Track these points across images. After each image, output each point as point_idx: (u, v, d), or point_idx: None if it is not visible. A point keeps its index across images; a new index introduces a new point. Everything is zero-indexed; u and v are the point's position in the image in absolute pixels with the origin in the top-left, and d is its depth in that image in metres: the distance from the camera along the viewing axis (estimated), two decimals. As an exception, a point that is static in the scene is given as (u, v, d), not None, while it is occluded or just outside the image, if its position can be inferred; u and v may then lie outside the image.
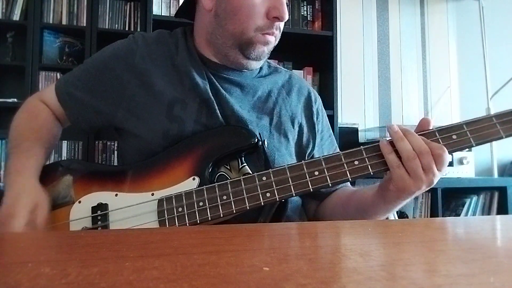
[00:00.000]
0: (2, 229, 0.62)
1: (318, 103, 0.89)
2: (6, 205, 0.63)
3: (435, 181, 0.60)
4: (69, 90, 0.79)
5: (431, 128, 0.63)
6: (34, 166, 0.70)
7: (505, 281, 0.27)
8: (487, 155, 2.44)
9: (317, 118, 0.86)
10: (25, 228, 0.62)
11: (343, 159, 0.63)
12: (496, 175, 2.41)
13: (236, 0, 0.72)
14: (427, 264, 0.31)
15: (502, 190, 2.17)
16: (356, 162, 0.62)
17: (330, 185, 0.62)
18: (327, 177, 0.62)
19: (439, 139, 0.62)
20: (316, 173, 0.62)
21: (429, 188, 0.61)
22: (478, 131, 0.62)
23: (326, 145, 0.87)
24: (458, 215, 2.17)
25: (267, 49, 0.76)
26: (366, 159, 0.62)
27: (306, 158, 0.82)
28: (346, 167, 0.62)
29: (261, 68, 0.86)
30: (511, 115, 0.62)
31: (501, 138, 0.62)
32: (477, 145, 0.62)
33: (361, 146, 0.63)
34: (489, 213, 2.20)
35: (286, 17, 0.72)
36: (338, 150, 0.89)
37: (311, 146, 0.84)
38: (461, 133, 0.62)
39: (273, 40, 0.76)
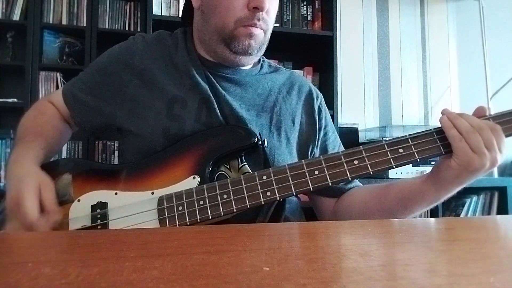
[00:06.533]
0: (15, 218, 0.61)
1: (319, 100, 0.88)
2: (10, 194, 0.63)
3: (499, 160, 0.60)
4: (74, 92, 0.82)
5: (487, 115, 0.63)
6: (34, 156, 0.70)
7: (505, 281, 0.27)
8: (487, 155, 2.43)
9: (318, 115, 0.85)
10: (38, 209, 0.61)
11: (342, 158, 0.63)
12: (496, 175, 2.41)
13: None
14: (427, 264, 0.31)
15: (502, 190, 2.17)
16: (355, 162, 0.62)
17: (330, 184, 0.62)
18: (327, 176, 0.62)
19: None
20: (316, 172, 0.62)
21: (492, 168, 0.60)
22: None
23: (330, 141, 0.86)
24: (458, 215, 2.17)
25: (254, 42, 0.74)
26: (365, 158, 0.62)
27: (309, 156, 0.82)
28: (345, 167, 0.62)
29: (261, 66, 0.86)
30: None
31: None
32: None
33: (361, 146, 0.63)
34: (489, 213, 2.19)
35: (266, 6, 0.70)
36: (342, 146, 0.88)
37: (312, 144, 0.83)
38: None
39: (258, 32, 0.74)
